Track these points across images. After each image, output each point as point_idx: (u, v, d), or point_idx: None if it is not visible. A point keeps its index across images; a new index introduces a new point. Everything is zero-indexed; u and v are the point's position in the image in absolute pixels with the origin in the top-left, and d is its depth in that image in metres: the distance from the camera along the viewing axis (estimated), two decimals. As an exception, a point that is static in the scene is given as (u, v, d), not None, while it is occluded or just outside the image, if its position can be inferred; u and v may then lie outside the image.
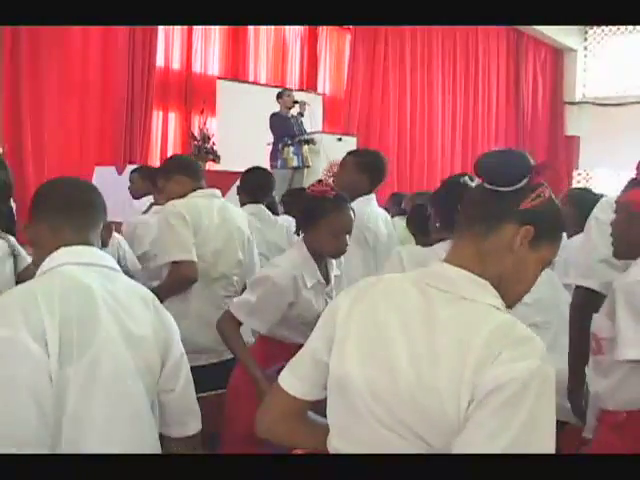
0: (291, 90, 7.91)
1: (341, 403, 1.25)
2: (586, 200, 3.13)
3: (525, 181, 1.23)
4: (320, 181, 2.53)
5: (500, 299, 1.22)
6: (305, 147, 7.27)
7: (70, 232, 1.55)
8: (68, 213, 1.56)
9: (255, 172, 3.83)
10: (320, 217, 2.37)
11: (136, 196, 4.62)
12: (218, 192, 3.17)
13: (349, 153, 3.34)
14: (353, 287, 1.35)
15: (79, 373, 1.37)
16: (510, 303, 1.25)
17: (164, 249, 2.90)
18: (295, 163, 7.16)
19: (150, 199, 4.50)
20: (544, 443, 1.09)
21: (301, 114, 7.44)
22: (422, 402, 1.15)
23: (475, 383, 1.10)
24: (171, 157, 3.50)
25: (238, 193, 3.89)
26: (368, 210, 3.12)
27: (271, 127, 7.21)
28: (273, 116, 7.23)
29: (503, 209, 1.23)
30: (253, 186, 3.76)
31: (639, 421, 1.80)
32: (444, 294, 1.21)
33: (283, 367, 1.40)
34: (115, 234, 4.23)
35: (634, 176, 1.97)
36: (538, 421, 1.09)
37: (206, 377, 2.83)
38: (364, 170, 3.11)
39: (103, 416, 1.41)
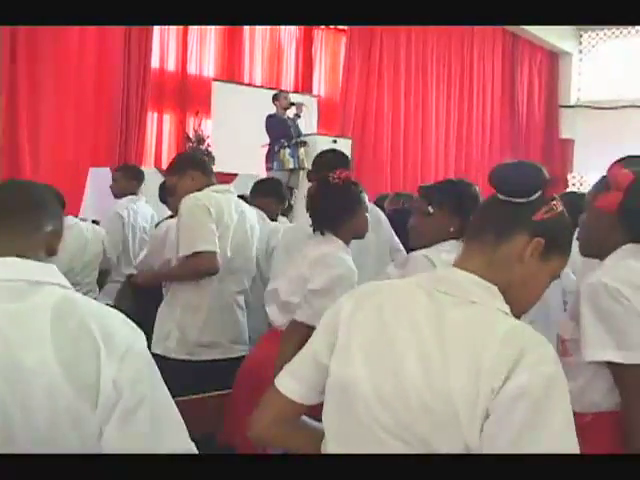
0: (285, 92, 7.91)
1: (340, 407, 1.24)
2: (575, 204, 3.21)
3: (539, 193, 1.25)
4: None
5: (507, 307, 1.23)
6: (301, 149, 7.27)
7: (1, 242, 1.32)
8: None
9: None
10: (359, 201, 2.45)
11: (118, 195, 4.63)
12: (232, 188, 3.17)
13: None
14: (356, 290, 1.34)
15: None
16: (516, 313, 1.25)
17: (188, 240, 2.85)
18: (291, 165, 7.15)
19: (131, 199, 4.52)
20: (573, 442, 1.11)
21: (298, 116, 7.44)
22: (431, 405, 1.14)
23: (494, 387, 1.09)
24: (180, 155, 3.40)
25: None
26: None
27: (267, 129, 7.21)
28: (270, 118, 7.23)
29: (516, 220, 1.25)
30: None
31: (604, 424, 1.81)
32: (452, 298, 1.21)
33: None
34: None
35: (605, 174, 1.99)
36: (566, 422, 1.10)
37: (212, 372, 2.85)
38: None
39: None
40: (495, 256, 1.25)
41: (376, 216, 3.18)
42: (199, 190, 2.96)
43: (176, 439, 1.27)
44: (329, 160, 3.24)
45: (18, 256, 1.31)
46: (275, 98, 7.39)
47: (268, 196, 3.83)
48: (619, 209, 1.80)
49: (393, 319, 1.23)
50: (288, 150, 7.12)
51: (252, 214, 3.18)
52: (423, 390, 1.15)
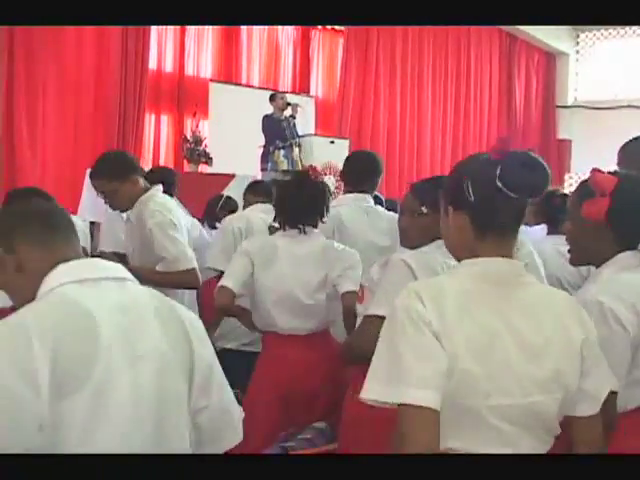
0: (283, 92, 7.91)
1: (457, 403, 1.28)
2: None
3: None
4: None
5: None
6: (296, 150, 7.25)
7: (63, 245, 1.41)
8: (54, 225, 1.44)
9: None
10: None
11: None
12: (161, 187, 3.25)
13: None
14: (418, 289, 1.33)
15: (78, 408, 1.23)
16: None
17: (183, 256, 2.97)
18: (285, 166, 7.14)
19: None
20: None
21: (293, 117, 7.44)
22: (544, 383, 1.32)
23: (582, 343, 1.38)
24: (116, 158, 3.26)
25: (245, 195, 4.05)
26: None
27: (263, 129, 7.20)
28: (265, 118, 7.22)
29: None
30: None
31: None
32: (516, 281, 1.37)
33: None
34: None
35: (584, 179, 1.93)
36: None
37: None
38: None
39: (111, 450, 1.26)
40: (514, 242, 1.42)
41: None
42: (140, 193, 3.05)
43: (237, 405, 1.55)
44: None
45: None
46: (272, 99, 7.39)
47: (258, 196, 3.96)
48: (608, 216, 1.73)
49: (481, 314, 1.31)
50: (282, 151, 7.10)
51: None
52: (534, 371, 1.30)
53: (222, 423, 1.48)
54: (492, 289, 1.33)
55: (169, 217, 3.00)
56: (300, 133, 7.54)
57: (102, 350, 1.28)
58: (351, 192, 3.41)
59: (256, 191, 4.05)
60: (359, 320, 2.21)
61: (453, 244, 1.46)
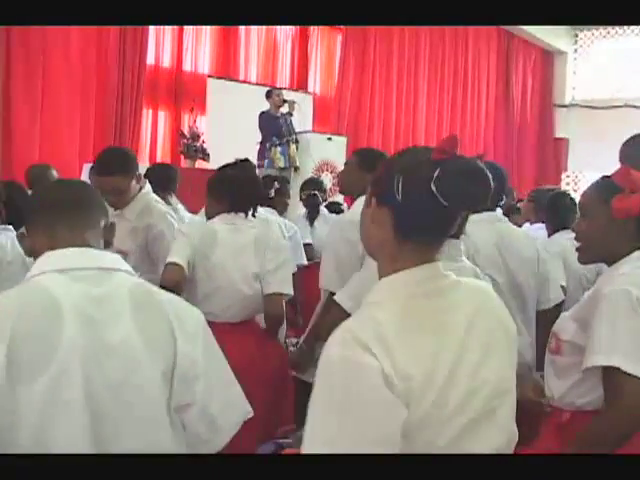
0: (280, 89, 7.89)
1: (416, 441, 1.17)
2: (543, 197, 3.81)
3: None
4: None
5: None
6: (292, 147, 7.23)
7: (63, 231, 1.44)
8: (59, 212, 1.46)
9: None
10: None
11: None
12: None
13: (354, 152, 3.35)
14: (356, 334, 1.15)
15: (35, 394, 1.25)
16: None
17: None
18: (282, 164, 7.11)
19: None
20: None
21: (290, 114, 7.42)
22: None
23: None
24: (121, 154, 3.27)
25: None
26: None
27: (260, 126, 7.19)
28: (262, 115, 7.21)
29: None
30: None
31: (580, 422, 1.81)
32: (443, 284, 1.27)
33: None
34: None
35: (605, 176, 1.94)
36: None
37: None
38: (367, 168, 3.01)
39: (68, 439, 1.27)
40: None
41: None
42: (136, 191, 3.09)
43: (239, 405, 1.54)
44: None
45: (88, 246, 1.45)
46: (268, 95, 7.37)
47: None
48: None
49: (425, 340, 1.19)
50: (279, 148, 7.09)
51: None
52: (488, 377, 1.22)
53: (209, 425, 1.45)
54: (426, 303, 1.21)
55: (175, 221, 3.10)
56: (297, 130, 7.52)
57: (65, 340, 1.29)
58: None
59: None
60: None
61: (369, 239, 1.30)
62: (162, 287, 2.56)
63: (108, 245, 1.55)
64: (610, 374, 1.71)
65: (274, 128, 7.18)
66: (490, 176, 1.18)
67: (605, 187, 1.87)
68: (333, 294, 2.80)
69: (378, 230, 1.24)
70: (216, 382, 1.47)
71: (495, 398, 1.22)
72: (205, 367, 1.43)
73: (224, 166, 3.03)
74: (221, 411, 1.46)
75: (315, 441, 1.11)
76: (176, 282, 2.64)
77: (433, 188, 1.15)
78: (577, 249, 1.97)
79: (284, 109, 7.39)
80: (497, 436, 1.22)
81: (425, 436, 1.13)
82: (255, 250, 2.81)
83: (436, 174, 1.15)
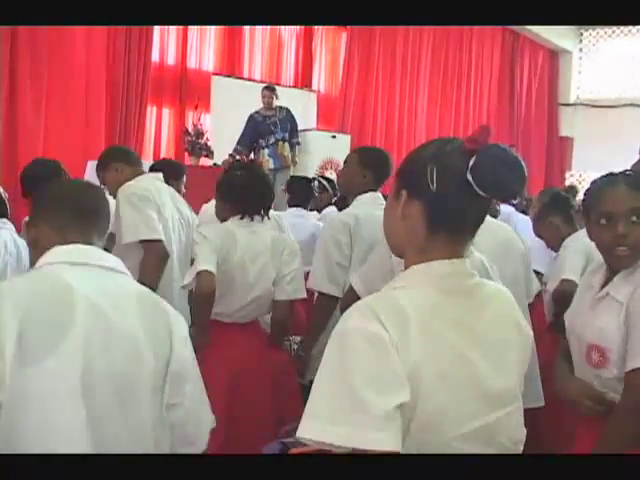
0: (284, 87, 7.84)
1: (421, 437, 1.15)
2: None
3: None
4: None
5: None
6: (284, 145, 7.11)
7: (75, 234, 1.50)
8: (77, 216, 1.53)
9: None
10: None
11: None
12: (160, 176, 3.41)
13: (354, 150, 3.37)
14: (375, 309, 1.12)
15: (43, 375, 1.29)
16: None
17: (133, 228, 3.05)
18: (272, 165, 7.02)
19: None
20: None
21: (288, 110, 7.27)
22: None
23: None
24: (105, 149, 3.67)
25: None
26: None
27: (243, 130, 7.14)
28: (249, 117, 7.17)
29: None
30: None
31: None
32: (468, 284, 1.24)
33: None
34: None
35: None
36: None
37: None
38: (367, 166, 3.01)
39: (71, 421, 1.31)
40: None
41: None
42: (128, 180, 3.18)
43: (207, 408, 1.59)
44: None
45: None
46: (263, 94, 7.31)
47: None
48: None
49: (445, 334, 1.16)
50: (267, 150, 7.01)
51: (182, 201, 3.47)
52: (502, 384, 1.21)
53: (190, 427, 1.51)
54: (450, 299, 1.18)
55: (136, 190, 3.12)
56: (301, 127, 7.47)
57: (76, 325, 1.34)
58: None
59: None
60: None
61: (397, 235, 1.25)
62: (199, 295, 2.65)
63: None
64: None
65: (259, 132, 7.11)
66: (525, 165, 1.16)
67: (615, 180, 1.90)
68: (322, 294, 2.83)
69: (408, 225, 1.21)
70: (200, 388, 1.55)
71: (507, 405, 1.21)
72: (192, 372, 1.52)
73: (232, 168, 3.03)
74: (203, 417, 1.55)
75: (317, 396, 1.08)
76: (213, 289, 2.65)
77: (469, 177, 1.13)
78: (623, 253, 1.89)
79: (277, 103, 7.26)
80: (505, 443, 1.21)
81: (428, 437, 1.11)
82: (272, 253, 2.82)
83: (472, 162, 1.13)
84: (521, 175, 1.15)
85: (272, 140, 7.10)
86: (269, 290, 2.82)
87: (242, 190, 2.83)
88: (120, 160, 3.28)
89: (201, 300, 2.66)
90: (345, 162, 3.19)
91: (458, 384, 1.13)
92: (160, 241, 3.06)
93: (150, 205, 3.09)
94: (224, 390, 2.64)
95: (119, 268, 1.52)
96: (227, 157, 6.77)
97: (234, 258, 2.74)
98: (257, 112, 7.24)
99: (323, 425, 1.04)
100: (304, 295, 2.90)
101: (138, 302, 1.47)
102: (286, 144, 7.17)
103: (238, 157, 6.20)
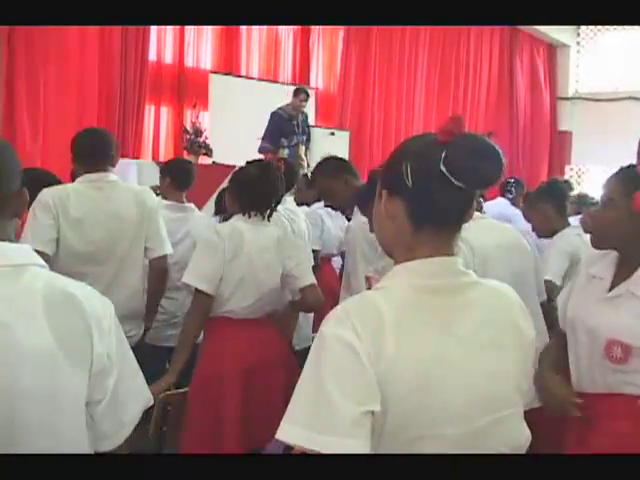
0: (283, 84, 7.83)
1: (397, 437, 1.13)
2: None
3: None
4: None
5: None
6: (302, 148, 7.11)
7: None
8: None
9: None
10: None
11: None
12: (111, 176, 3.21)
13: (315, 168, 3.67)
14: (350, 314, 1.13)
15: None
16: None
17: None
18: None
19: None
20: None
21: (304, 113, 7.28)
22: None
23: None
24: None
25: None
26: None
27: (268, 125, 7.06)
28: (274, 114, 7.10)
29: None
30: None
31: None
32: (457, 282, 1.23)
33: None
34: None
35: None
36: None
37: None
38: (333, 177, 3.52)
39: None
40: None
41: None
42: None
43: (142, 395, 1.43)
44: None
45: None
46: (295, 93, 7.24)
47: None
48: None
49: (425, 336, 1.15)
50: (287, 151, 6.99)
51: (126, 199, 3.21)
52: (494, 388, 1.19)
53: (117, 420, 1.36)
54: (433, 299, 1.17)
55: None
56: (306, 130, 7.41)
57: None
58: None
59: None
60: None
61: (385, 235, 1.26)
62: (196, 315, 2.81)
63: (19, 217, 1.38)
64: None
65: (283, 131, 7.07)
66: (501, 152, 1.16)
67: (630, 180, 1.87)
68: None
69: (393, 224, 1.22)
70: (125, 373, 1.38)
71: (500, 409, 1.17)
72: (117, 360, 1.35)
73: (249, 162, 3.07)
74: (127, 403, 1.38)
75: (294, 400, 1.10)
76: (208, 312, 2.82)
77: (443, 169, 1.13)
78: (591, 233, 1.98)
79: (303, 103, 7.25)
80: (499, 448, 1.18)
81: (411, 434, 1.10)
82: (277, 250, 2.88)
83: (444, 154, 1.14)
84: (497, 162, 1.15)
85: (294, 141, 7.09)
86: (277, 285, 2.88)
87: (250, 187, 2.88)
88: (75, 159, 3.30)
89: (197, 318, 2.82)
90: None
91: (438, 386, 1.11)
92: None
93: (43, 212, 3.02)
94: (239, 389, 2.71)
95: (27, 260, 1.31)
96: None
97: (241, 255, 2.79)
98: (282, 109, 7.19)
99: (296, 428, 1.08)
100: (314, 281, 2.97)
101: (46, 305, 1.26)
102: (303, 147, 7.18)
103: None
